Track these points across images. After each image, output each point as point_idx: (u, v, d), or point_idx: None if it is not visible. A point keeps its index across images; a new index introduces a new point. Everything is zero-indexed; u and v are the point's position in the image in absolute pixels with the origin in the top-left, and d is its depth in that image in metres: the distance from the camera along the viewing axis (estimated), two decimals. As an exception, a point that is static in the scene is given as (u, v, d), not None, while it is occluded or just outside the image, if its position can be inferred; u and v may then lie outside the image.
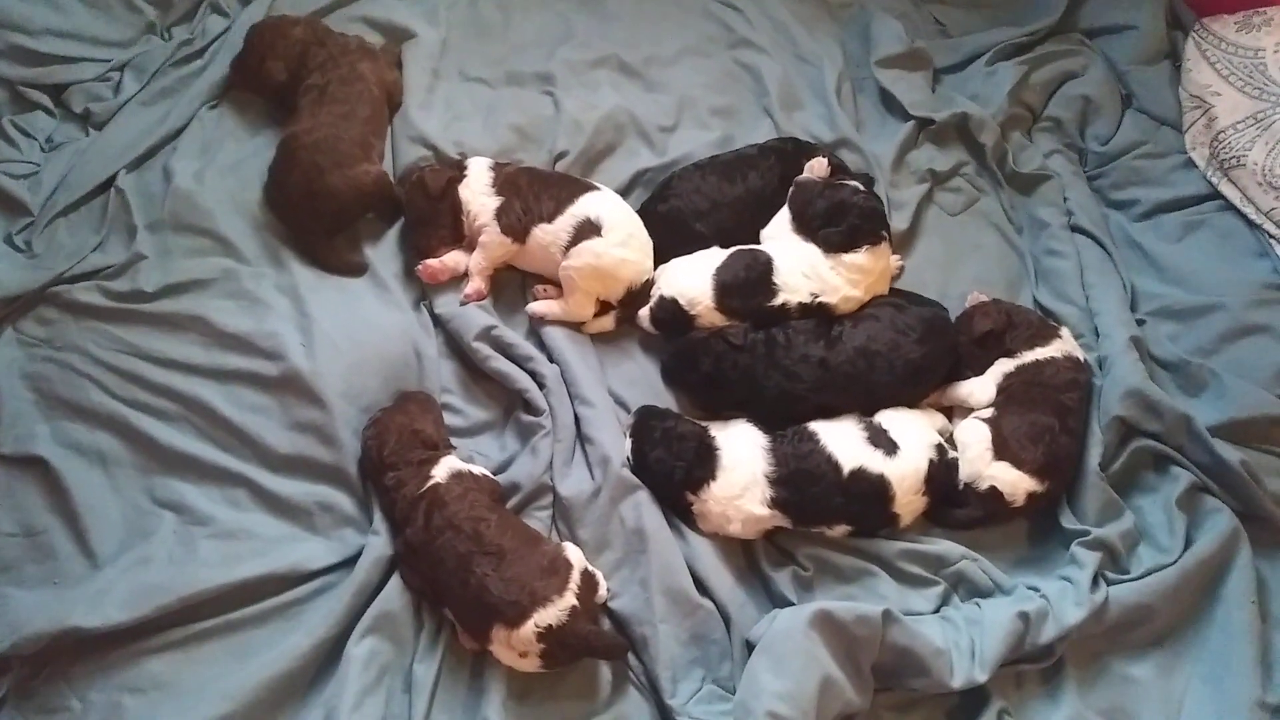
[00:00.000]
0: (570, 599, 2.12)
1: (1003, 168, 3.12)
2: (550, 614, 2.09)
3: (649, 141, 3.04)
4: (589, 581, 2.21)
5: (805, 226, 2.63)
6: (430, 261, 2.65)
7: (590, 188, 2.71)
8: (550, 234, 2.62)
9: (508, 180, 2.68)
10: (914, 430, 2.44)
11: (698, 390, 2.58)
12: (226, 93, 2.94)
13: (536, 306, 2.65)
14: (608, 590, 2.29)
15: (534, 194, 2.65)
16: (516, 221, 2.62)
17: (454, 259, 2.67)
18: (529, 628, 2.08)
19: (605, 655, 2.21)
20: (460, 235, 2.70)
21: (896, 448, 2.39)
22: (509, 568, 2.14)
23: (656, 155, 3.00)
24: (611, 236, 2.60)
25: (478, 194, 2.67)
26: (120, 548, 2.27)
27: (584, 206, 2.63)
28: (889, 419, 2.47)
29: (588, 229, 2.60)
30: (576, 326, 2.66)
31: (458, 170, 2.70)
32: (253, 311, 2.55)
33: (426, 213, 2.68)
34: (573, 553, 2.25)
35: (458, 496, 2.25)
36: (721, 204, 2.74)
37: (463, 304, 2.63)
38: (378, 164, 2.73)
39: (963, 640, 2.20)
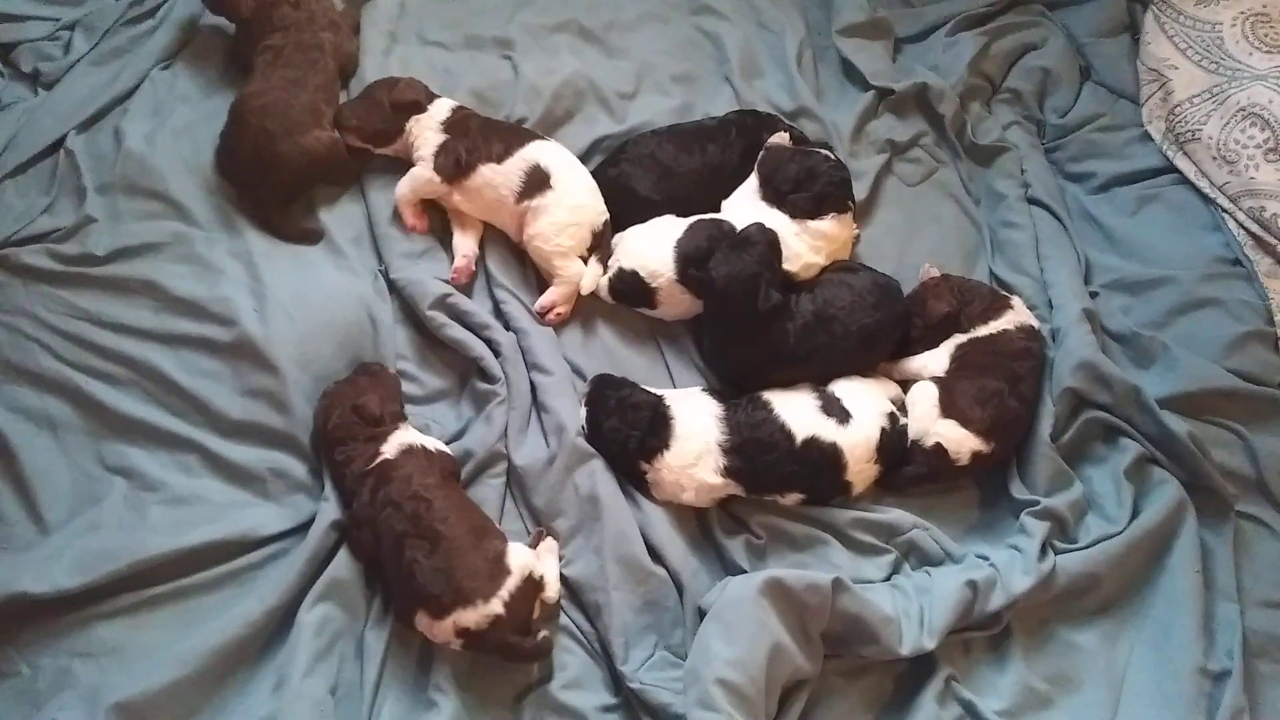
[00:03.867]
0: (496, 607, 2.09)
1: (961, 139, 3.12)
2: (470, 617, 2.08)
3: (608, 108, 3.02)
4: (527, 589, 2.16)
5: (773, 192, 2.64)
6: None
7: (538, 137, 2.73)
8: (500, 175, 2.62)
9: (459, 122, 2.70)
10: (867, 399, 2.46)
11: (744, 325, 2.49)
12: (179, 53, 2.90)
13: (543, 300, 2.64)
14: (562, 556, 2.30)
15: (483, 137, 2.66)
16: (454, 164, 2.63)
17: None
18: (448, 623, 2.08)
19: (522, 662, 2.19)
20: (385, 143, 2.74)
21: (849, 417, 2.40)
22: (441, 558, 2.11)
23: (616, 122, 2.98)
24: (561, 185, 2.62)
25: (426, 129, 2.69)
26: (70, 513, 2.25)
27: (533, 152, 2.65)
28: (843, 388, 2.48)
29: (538, 176, 2.61)
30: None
31: (425, 100, 2.72)
32: (205, 276, 2.51)
33: (374, 107, 2.72)
34: (517, 556, 2.19)
35: (404, 475, 2.23)
36: (675, 173, 2.73)
37: (410, 230, 2.68)
38: (329, 130, 2.70)
39: (912, 608, 2.23)
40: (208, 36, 2.93)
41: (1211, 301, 2.68)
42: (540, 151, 2.66)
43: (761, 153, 2.72)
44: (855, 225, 2.80)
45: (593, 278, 2.64)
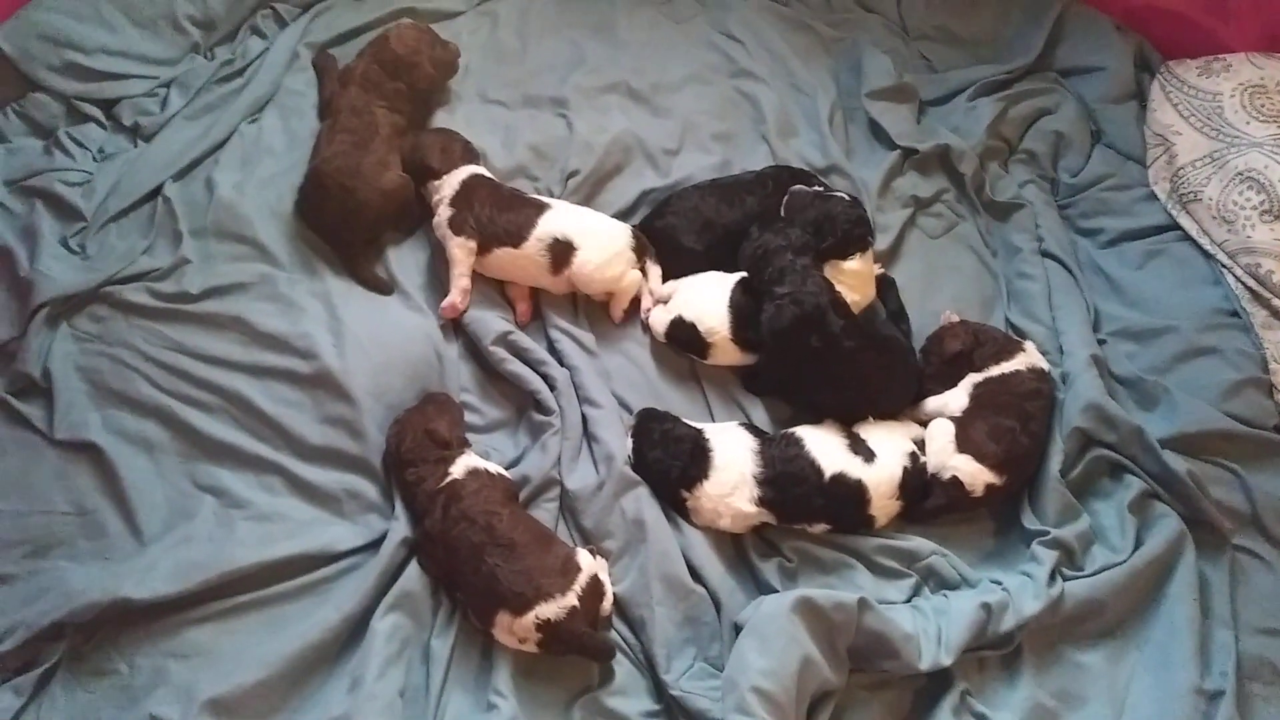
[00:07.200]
0: (572, 599, 2.23)
1: (980, 196, 3.22)
2: (550, 609, 2.21)
3: (654, 163, 3.15)
4: (595, 588, 2.30)
5: None
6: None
7: (543, 208, 2.79)
8: (523, 257, 2.73)
9: (466, 192, 2.78)
10: (891, 440, 2.56)
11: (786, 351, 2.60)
12: (264, 109, 3.06)
13: (616, 309, 2.82)
14: (609, 577, 2.40)
15: (487, 216, 2.74)
16: (471, 226, 2.71)
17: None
18: (530, 618, 2.20)
19: (593, 656, 2.30)
20: (419, 184, 2.86)
21: (874, 456, 2.50)
22: (519, 560, 2.25)
23: (660, 176, 3.10)
24: (584, 241, 2.73)
25: (436, 195, 2.80)
26: (165, 527, 2.39)
27: (546, 227, 2.74)
28: (868, 429, 2.60)
29: (560, 247, 2.72)
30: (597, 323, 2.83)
31: (441, 169, 2.81)
32: (288, 314, 2.67)
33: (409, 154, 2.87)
34: (585, 559, 2.33)
35: (473, 492, 2.36)
36: (716, 224, 2.85)
37: (442, 317, 2.74)
38: (398, 170, 2.83)
39: (931, 627, 2.31)
40: (289, 94, 3.10)
41: (1211, 350, 2.76)
42: (550, 223, 2.74)
43: (785, 199, 2.84)
44: (879, 264, 2.93)
45: (655, 276, 2.80)
